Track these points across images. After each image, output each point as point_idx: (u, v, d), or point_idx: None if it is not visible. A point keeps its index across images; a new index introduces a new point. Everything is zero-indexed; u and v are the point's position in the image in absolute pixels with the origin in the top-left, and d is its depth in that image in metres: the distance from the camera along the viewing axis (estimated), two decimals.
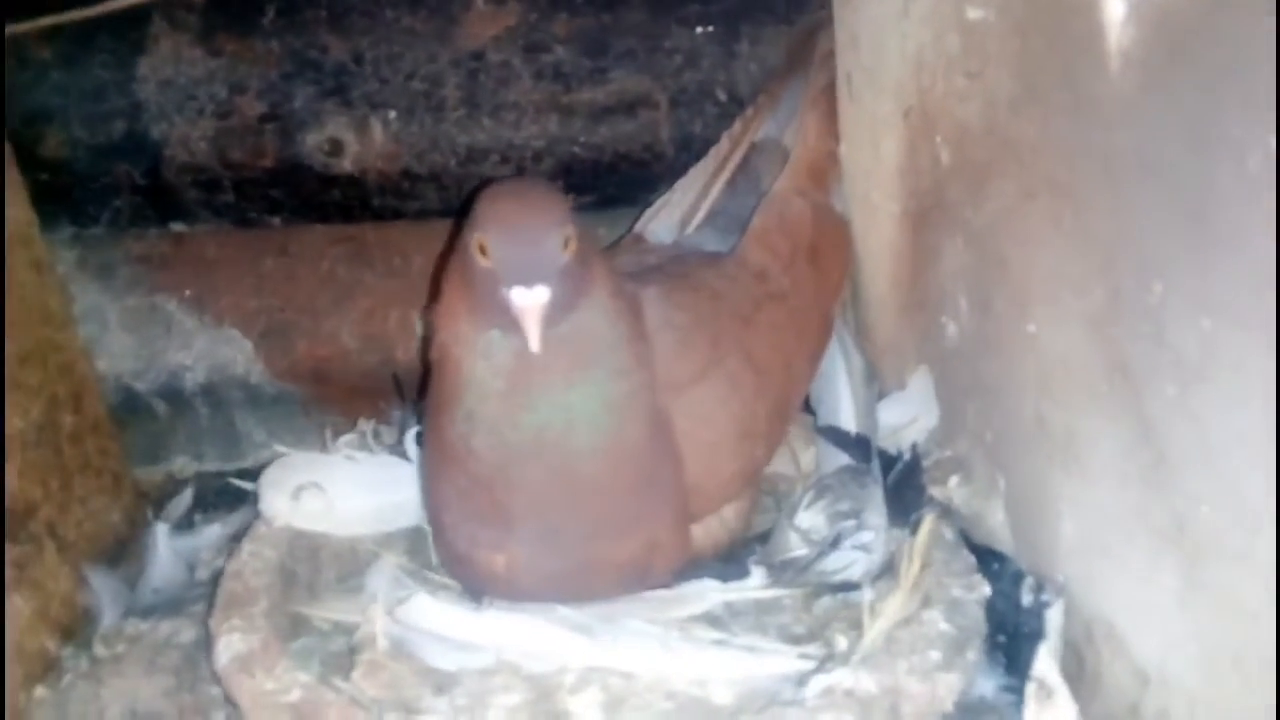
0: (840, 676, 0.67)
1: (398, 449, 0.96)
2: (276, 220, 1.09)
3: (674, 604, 0.81)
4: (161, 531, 1.02)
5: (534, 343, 0.68)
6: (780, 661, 0.73)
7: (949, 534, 0.86)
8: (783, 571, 0.89)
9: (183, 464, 1.20)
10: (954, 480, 0.88)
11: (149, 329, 1.11)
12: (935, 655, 0.69)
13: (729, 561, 0.88)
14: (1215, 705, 0.62)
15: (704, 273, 0.90)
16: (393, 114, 1.04)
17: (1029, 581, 0.78)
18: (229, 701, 0.80)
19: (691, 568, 0.85)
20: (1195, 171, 0.56)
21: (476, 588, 0.82)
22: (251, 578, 0.79)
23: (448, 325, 0.76)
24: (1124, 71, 0.61)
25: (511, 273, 0.69)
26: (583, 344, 0.74)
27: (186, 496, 1.14)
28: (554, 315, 0.70)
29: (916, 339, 0.94)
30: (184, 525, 1.07)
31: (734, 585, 0.85)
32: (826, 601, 0.83)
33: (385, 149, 1.05)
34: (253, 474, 1.18)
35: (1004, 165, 0.75)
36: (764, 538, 0.97)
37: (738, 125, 1.05)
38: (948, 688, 0.68)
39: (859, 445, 0.98)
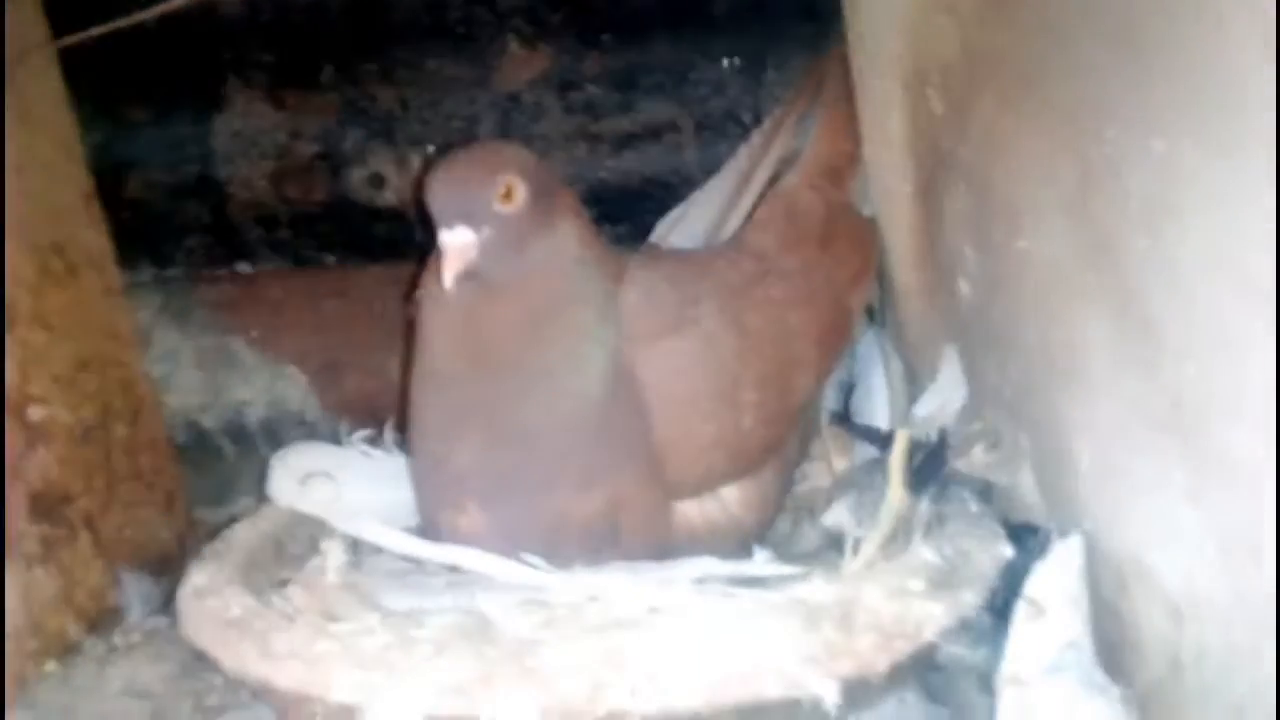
0: (794, 587, 0.60)
1: None
2: (331, 258, 1.16)
3: (658, 569, 0.75)
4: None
5: (446, 280, 0.69)
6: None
7: (973, 506, 0.78)
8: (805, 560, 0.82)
9: (246, 505, 1.24)
10: (978, 449, 0.80)
11: (216, 367, 1.19)
12: (915, 583, 0.61)
13: None
14: (1246, 622, 0.52)
15: (696, 252, 0.88)
16: (431, 149, 1.11)
17: (1053, 533, 0.69)
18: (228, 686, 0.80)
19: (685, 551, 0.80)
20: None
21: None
22: (238, 541, 0.80)
23: (422, 282, 0.78)
24: None
25: (439, 215, 0.70)
26: (537, 296, 0.74)
27: None
28: (495, 264, 0.70)
29: (940, 316, 0.89)
30: None
31: (732, 563, 0.79)
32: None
33: None
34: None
35: (981, 83, 0.73)
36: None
37: (756, 138, 1.06)
38: (926, 615, 0.59)
39: (877, 437, 0.92)
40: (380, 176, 1.12)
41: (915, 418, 0.92)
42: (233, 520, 1.24)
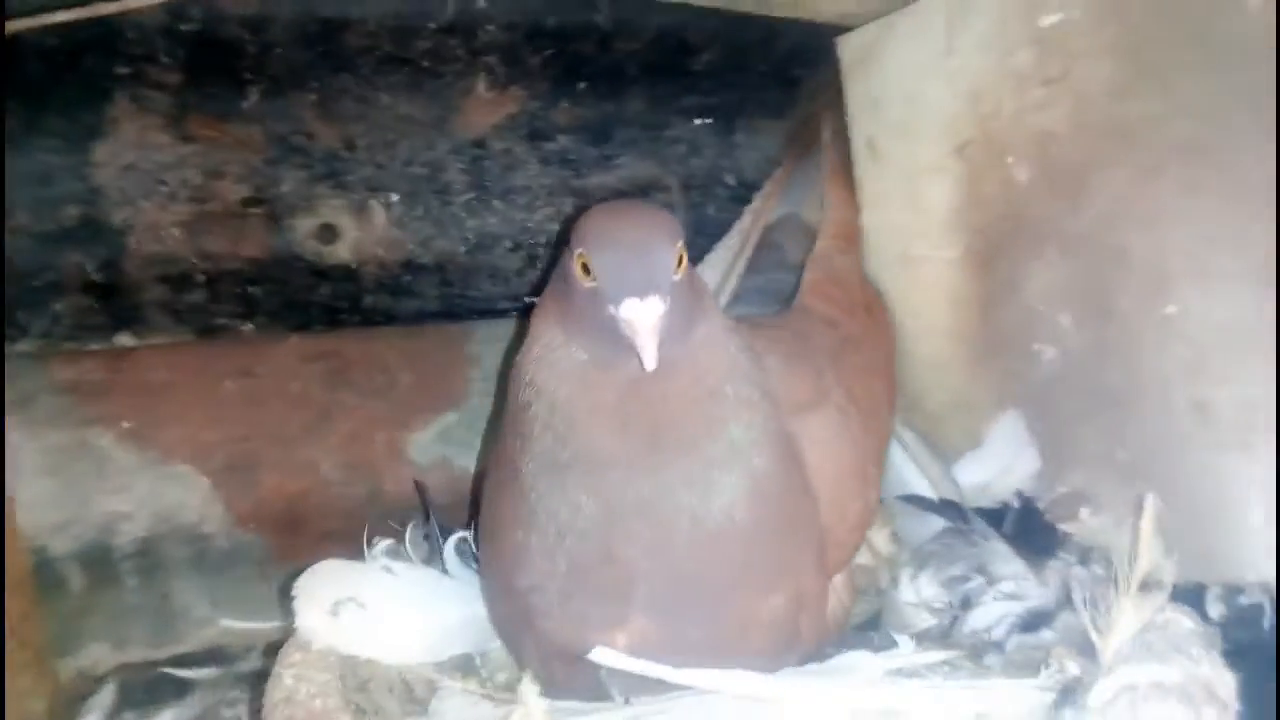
0: (1123, 674, 0.55)
1: (435, 563, 0.79)
2: (248, 327, 0.93)
3: (838, 674, 0.66)
4: None
5: (648, 360, 0.59)
6: (1017, 691, 0.59)
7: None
8: (926, 641, 0.77)
9: (101, 654, 0.94)
10: (1084, 512, 0.81)
11: (75, 471, 0.89)
12: (1197, 651, 0.59)
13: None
14: None
15: (777, 320, 0.82)
16: (395, 197, 0.94)
17: (1212, 591, 0.70)
18: None
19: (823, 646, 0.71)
20: None
21: (588, 686, 0.65)
22: (311, 701, 0.58)
23: (541, 360, 0.64)
24: (1264, 5, 0.63)
25: (621, 286, 0.60)
26: (705, 370, 0.65)
27: (107, 694, 0.90)
28: (669, 337, 0.61)
29: (996, 384, 0.89)
30: None
31: (889, 654, 0.72)
32: (1002, 656, 0.72)
33: (387, 235, 0.93)
34: (192, 660, 0.95)
35: (1110, 155, 0.75)
36: (866, 628, 0.86)
37: (758, 202, 1.02)
38: (1224, 682, 0.57)
39: (949, 509, 0.90)
40: (332, 228, 0.92)
41: (965, 485, 0.92)
42: (86, 675, 0.95)
